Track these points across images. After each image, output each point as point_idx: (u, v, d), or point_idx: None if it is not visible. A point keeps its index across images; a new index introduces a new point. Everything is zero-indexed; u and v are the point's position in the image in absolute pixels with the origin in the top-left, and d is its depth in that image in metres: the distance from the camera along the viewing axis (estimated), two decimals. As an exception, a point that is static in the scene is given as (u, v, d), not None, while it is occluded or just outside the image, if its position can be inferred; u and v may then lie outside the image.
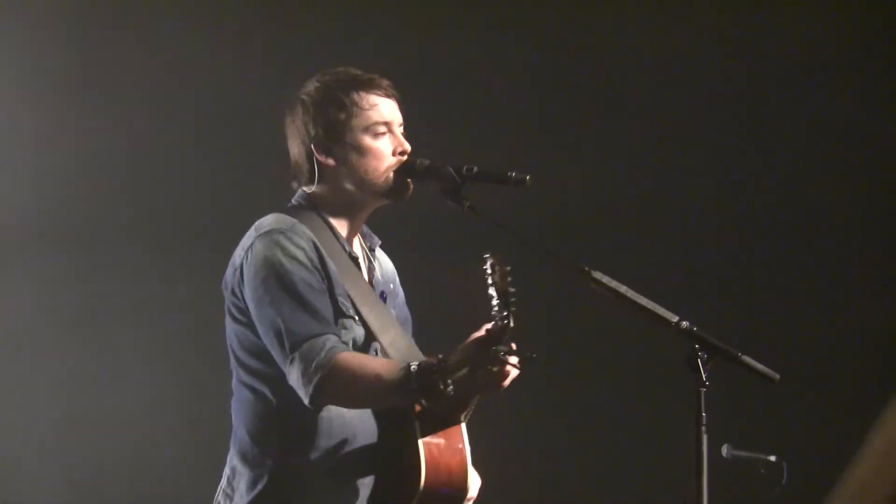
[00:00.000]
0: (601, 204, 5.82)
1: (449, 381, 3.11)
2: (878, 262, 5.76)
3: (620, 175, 5.83)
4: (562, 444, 5.71)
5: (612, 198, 5.83)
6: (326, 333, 3.24)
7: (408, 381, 3.14)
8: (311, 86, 3.47)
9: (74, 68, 5.33)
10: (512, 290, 3.01)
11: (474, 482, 3.47)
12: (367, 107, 3.40)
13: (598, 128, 5.84)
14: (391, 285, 3.58)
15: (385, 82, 3.45)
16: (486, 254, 3.07)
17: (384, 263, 3.61)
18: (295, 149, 3.46)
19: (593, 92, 5.84)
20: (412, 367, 3.15)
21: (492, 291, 3.02)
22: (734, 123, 5.89)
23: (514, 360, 3.10)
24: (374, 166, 3.39)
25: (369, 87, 3.43)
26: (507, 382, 3.19)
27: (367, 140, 3.40)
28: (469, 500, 3.47)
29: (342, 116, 3.39)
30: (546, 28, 5.83)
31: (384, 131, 3.41)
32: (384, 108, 3.43)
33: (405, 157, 3.41)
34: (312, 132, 3.41)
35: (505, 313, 3.00)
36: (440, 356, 3.19)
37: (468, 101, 5.75)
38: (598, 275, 3.28)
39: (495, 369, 3.14)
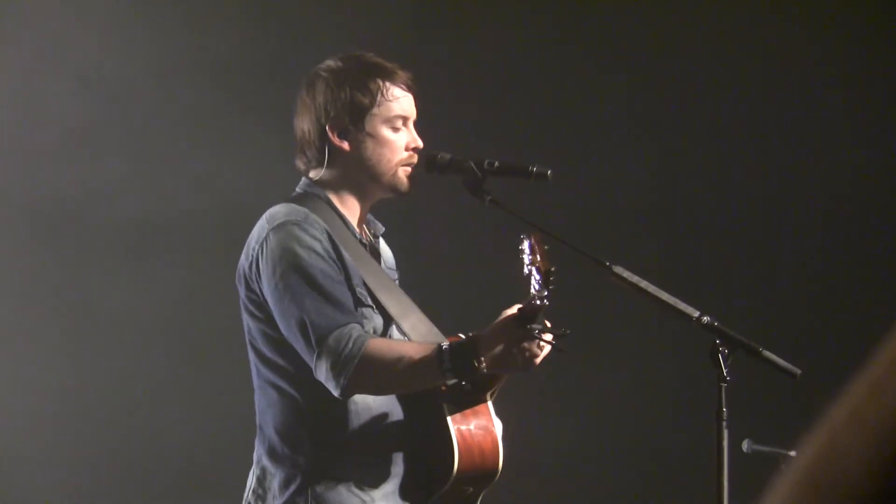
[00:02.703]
0: (623, 198, 5.82)
1: (482, 358, 3.11)
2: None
3: (642, 169, 5.82)
4: (582, 440, 5.70)
5: (634, 192, 5.83)
6: (351, 323, 3.21)
7: (441, 361, 3.12)
8: (334, 64, 3.42)
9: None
10: (553, 268, 3.00)
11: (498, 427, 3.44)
12: (391, 98, 3.37)
13: (620, 122, 5.84)
14: (394, 272, 3.56)
15: (408, 75, 3.42)
16: (523, 234, 3.06)
17: (385, 251, 3.58)
18: (306, 126, 3.39)
19: (615, 88, 5.84)
20: (444, 346, 3.14)
21: (530, 270, 3.02)
22: (757, 118, 5.88)
23: (548, 337, 3.09)
24: (388, 158, 3.36)
25: (395, 78, 3.39)
26: (539, 360, 3.16)
27: (386, 131, 3.37)
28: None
29: (366, 102, 3.35)
30: (571, 21, 5.82)
31: (402, 125, 3.39)
32: (405, 103, 3.40)
33: (416, 154, 3.39)
34: (332, 112, 3.36)
35: (545, 293, 3.00)
36: (471, 333, 3.19)
37: (490, 94, 5.75)
38: (619, 269, 3.29)
39: (530, 346, 3.12)
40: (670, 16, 5.85)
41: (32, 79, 5.26)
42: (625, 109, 5.84)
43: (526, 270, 3.04)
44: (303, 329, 3.21)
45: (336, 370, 3.16)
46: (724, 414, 3.17)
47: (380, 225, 3.54)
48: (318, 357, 3.18)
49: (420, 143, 3.41)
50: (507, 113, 5.75)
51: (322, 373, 3.19)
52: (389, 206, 3.53)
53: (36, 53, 5.25)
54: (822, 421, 0.77)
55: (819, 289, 5.82)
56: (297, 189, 3.43)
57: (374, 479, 3.31)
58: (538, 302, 3.01)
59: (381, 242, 3.57)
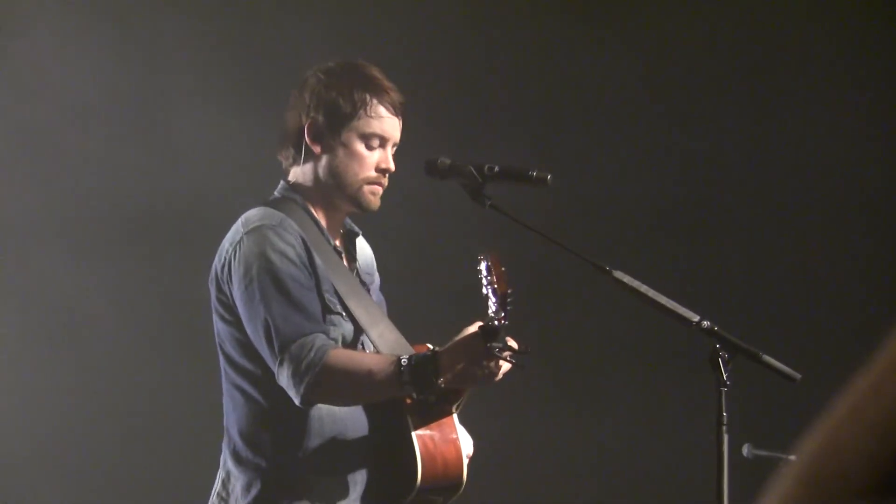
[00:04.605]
0: (623, 203, 5.82)
1: (441, 374, 3.12)
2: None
3: (641, 174, 5.83)
4: (581, 444, 5.71)
5: (634, 196, 5.83)
6: (315, 332, 3.22)
7: (400, 376, 3.14)
8: (331, 66, 3.44)
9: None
10: (510, 290, 3.02)
11: (467, 443, 3.45)
12: (373, 115, 3.38)
13: (619, 127, 5.84)
14: (372, 276, 3.56)
15: (399, 99, 3.42)
16: (481, 255, 3.08)
17: (364, 252, 3.58)
18: (291, 121, 3.43)
19: (616, 92, 5.84)
20: (403, 361, 3.15)
21: (487, 291, 3.05)
22: (757, 122, 5.88)
23: (509, 355, 3.09)
24: (355, 171, 3.37)
25: (384, 97, 3.40)
26: (499, 376, 3.16)
27: (359, 146, 3.38)
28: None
29: (347, 112, 3.36)
30: (566, 24, 5.83)
31: (377, 145, 3.39)
32: (388, 124, 3.40)
33: (384, 176, 3.40)
34: (312, 113, 3.38)
35: (502, 314, 3.01)
36: (432, 349, 3.21)
37: (491, 99, 5.75)
38: (619, 274, 3.29)
39: (490, 364, 3.13)
40: (670, 19, 5.85)
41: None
42: (625, 114, 5.84)
43: (484, 291, 3.06)
44: (268, 334, 3.23)
45: (296, 378, 3.18)
46: (724, 419, 3.17)
47: (356, 228, 3.55)
48: (281, 363, 3.20)
49: (392, 167, 3.40)
50: (507, 117, 5.75)
51: (283, 379, 3.21)
52: (382, 212, 3.52)
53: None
54: (824, 418, 0.78)
55: (819, 293, 5.82)
56: (276, 192, 3.45)
57: (336, 487, 3.32)
58: (497, 322, 3.02)
59: (361, 244, 3.58)
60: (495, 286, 3.03)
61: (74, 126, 5.31)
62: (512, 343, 3.09)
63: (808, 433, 0.79)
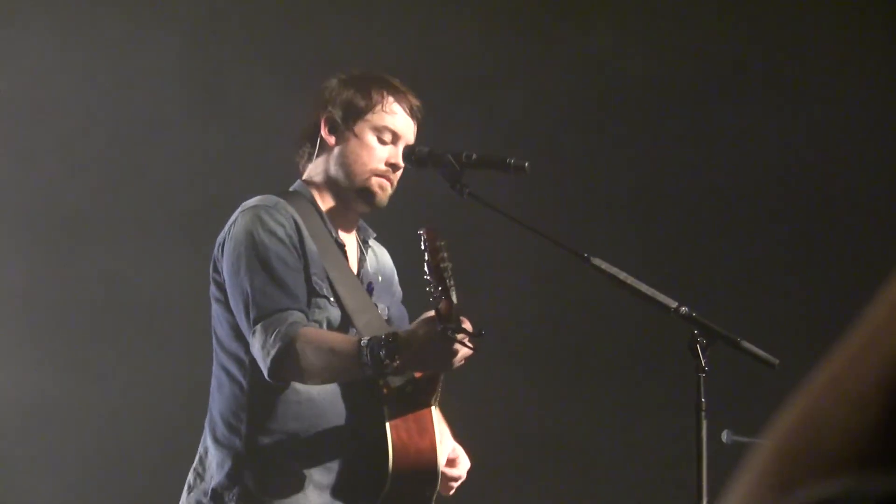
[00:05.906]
0: (602, 190, 5.83)
1: (396, 356, 3.12)
2: (879, 248, 5.77)
3: (622, 161, 5.84)
4: (561, 431, 5.72)
5: (613, 183, 5.84)
6: (291, 308, 3.28)
7: (358, 355, 3.16)
8: (352, 72, 3.57)
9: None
10: (445, 265, 3.03)
11: (463, 462, 3.49)
12: (388, 110, 3.48)
13: (600, 114, 5.84)
14: (379, 277, 3.60)
15: (416, 102, 3.53)
16: (420, 230, 3.09)
17: (380, 257, 3.65)
18: (309, 119, 3.54)
19: (596, 81, 5.84)
20: (363, 341, 3.18)
21: (426, 267, 3.04)
22: (736, 111, 5.89)
23: (462, 337, 3.08)
24: (364, 161, 3.45)
25: (400, 97, 3.50)
26: (458, 360, 3.14)
27: (371, 138, 3.46)
28: (455, 479, 3.48)
29: (362, 106, 3.47)
30: (546, 16, 5.83)
31: (390, 140, 3.48)
32: (401, 121, 3.49)
33: (393, 172, 3.46)
34: (330, 107, 3.48)
35: (440, 288, 3.02)
36: (390, 331, 3.22)
37: (469, 89, 5.75)
38: (597, 261, 3.29)
39: (445, 346, 3.12)
40: (653, 9, 5.86)
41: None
42: (605, 101, 5.85)
43: (425, 268, 3.07)
44: (245, 305, 3.30)
45: (265, 350, 3.24)
46: (703, 405, 3.18)
47: (370, 230, 3.63)
48: (253, 335, 3.27)
49: (401, 164, 3.47)
50: (487, 105, 5.75)
51: (255, 349, 3.28)
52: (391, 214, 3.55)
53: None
54: (801, 389, 0.78)
55: (797, 279, 5.84)
56: (290, 189, 3.54)
57: (309, 472, 3.36)
58: (444, 299, 3.03)
59: (376, 247, 3.66)
60: (431, 262, 3.03)
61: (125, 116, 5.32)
62: (467, 326, 3.10)
63: (785, 407, 0.79)
